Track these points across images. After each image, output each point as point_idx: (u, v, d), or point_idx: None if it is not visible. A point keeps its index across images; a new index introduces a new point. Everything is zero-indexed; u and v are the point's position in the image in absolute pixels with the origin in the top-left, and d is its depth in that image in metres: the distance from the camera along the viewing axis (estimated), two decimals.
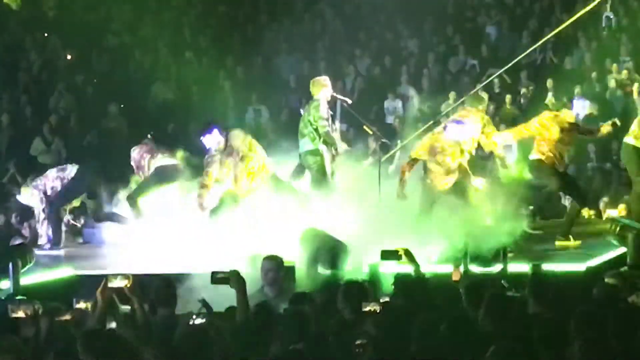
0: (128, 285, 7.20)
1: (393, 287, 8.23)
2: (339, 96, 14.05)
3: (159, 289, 7.98)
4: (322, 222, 11.55)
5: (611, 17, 22.03)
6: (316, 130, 13.26)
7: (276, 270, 9.08)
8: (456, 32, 23.35)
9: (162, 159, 13.63)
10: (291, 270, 10.51)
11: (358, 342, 6.42)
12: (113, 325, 7.27)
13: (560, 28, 18.39)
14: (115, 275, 7.29)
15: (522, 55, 19.89)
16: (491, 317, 7.00)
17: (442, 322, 6.50)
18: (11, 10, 23.29)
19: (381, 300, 7.69)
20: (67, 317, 7.41)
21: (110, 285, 7.19)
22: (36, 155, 20.28)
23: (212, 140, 12.36)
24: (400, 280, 8.31)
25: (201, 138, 12.55)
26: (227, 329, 7.03)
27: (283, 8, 24.41)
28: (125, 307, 7.39)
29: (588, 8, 17.21)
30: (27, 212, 16.52)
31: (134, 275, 7.60)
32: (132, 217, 13.60)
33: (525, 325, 6.94)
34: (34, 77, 22.04)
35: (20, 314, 7.31)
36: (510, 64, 19.58)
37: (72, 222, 14.83)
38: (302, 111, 13.68)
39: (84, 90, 21.92)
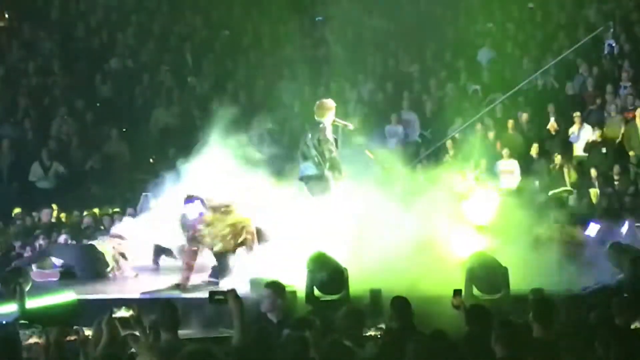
0: (133, 315, 7.18)
1: (390, 310, 8.19)
2: (341, 121, 14.03)
3: (162, 314, 7.95)
4: (327, 247, 11.56)
5: (613, 45, 22.08)
6: (322, 154, 13.21)
7: (273, 297, 8.97)
8: (458, 57, 23.41)
9: None
10: (293, 295, 10.51)
11: None
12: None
13: (562, 56, 18.52)
14: (119, 306, 7.28)
15: (525, 82, 20.05)
16: (501, 343, 6.97)
17: (440, 346, 6.49)
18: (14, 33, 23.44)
19: (382, 326, 7.66)
20: (73, 337, 7.45)
21: (115, 315, 7.19)
22: (35, 180, 20.27)
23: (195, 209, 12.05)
24: (397, 303, 8.27)
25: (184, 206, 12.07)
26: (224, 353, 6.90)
27: (285, 33, 24.49)
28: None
29: (590, 36, 17.35)
30: (29, 237, 16.55)
31: (136, 300, 7.59)
32: None
33: (528, 350, 6.93)
34: (35, 101, 22.05)
35: (34, 340, 7.33)
36: (513, 90, 19.70)
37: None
38: (309, 135, 13.57)
39: (86, 115, 21.95)
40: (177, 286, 11.76)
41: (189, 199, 11.89)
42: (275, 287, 9.02)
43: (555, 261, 12.42)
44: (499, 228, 13.43)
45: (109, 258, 13.19)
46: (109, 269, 13.22)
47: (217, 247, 12.01)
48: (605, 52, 22.20)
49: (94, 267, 13.14)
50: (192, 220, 11.81)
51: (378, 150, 16.57)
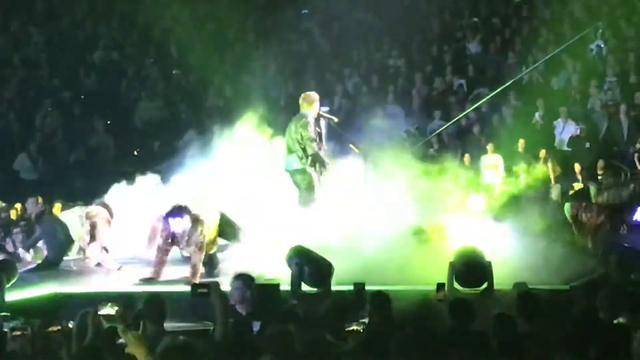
0: (118, 312, 7.18)
1: (369, 305, 8.19)
2: (326, 114, 14.03)
3: (148, 306, 7.94)
4: (309, 240, 11.55)
5: (601, 45, 22.04)
6: (304, 149, 13.21)
7: (242, 289, 8.90)
8: (443, 52, 23.42)
9: None
10: (275, 288, 10.50)
11: None
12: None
13: (549, 56, 18.52)
14: (104, 303, 7.28)
15: (515, 79, 20.08)
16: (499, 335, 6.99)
17: (421, 340, 6.50)
18: None
19: (364, 320, 7.66)
20: (55, 328, 7.46)
21: (100, 312, 7.19)
22: (19, 170, 20.21)
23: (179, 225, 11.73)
24: (376, 299, 8.27)
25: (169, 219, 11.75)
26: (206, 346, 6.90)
27: (271, 27, 24.46)
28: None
29: (579, 36, 17.36)
30: (10, 228, 16.49)
31: (121, 293, 7.58)
32: None
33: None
34: (19, 94, 21.98)
35: (18, 332, 7.34)
36: (502, 87, 19.71)
37: None
38: (292, 128, 13.44)
39: (71, 107, 21.88)
40: (150, 280, 11.68)
41: (178, 213, 11.69)
42: (244, 279, 8.99)
43: (558, 254, 12.41)
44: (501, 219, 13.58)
45: (72, 229, 13.01)
46: (74, 240, 13.06)
47: (185, 252, 12.06)
48: (594, 52, 22.17)
49: (55, 237, 13.04)
50: (173, 230, 11.70)
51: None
